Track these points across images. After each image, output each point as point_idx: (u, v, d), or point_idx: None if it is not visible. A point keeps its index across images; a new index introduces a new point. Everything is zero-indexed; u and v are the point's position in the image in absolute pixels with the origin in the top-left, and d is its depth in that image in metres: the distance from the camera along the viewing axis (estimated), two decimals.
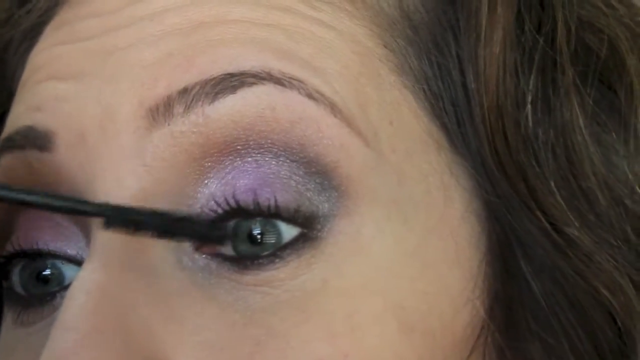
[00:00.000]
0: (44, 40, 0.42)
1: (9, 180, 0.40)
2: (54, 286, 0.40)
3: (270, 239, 0.37)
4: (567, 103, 0.39)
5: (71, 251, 0.40)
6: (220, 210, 0.37)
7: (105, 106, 0.38)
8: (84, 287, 0.35)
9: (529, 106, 0.38)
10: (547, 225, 0.38)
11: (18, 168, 0.40)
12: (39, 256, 0.41)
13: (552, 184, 0.38)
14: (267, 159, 0.37)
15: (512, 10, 0.39)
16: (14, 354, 0.40)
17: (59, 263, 0.40)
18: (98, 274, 0.35)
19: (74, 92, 0.39)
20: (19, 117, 0.40)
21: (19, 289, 0.41)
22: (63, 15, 0.42)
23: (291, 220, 0.36)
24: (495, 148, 0.38)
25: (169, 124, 0.37)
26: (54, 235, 0.40)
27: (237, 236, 0.37)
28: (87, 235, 0.38)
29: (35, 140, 0.39)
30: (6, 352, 0.41)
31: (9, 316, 0.41)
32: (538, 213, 0.38)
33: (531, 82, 0.39)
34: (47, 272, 0.41)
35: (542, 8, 0.40)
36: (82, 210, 0.36)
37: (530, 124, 0.38)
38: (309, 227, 0.36)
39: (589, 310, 0.38)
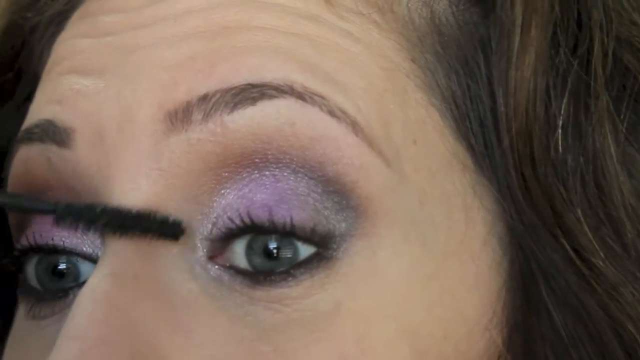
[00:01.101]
0: (68, 29, 0.42)
1: (27, 172, 0.40)
2: (69, 281, 0.40)
3: (286, 254, 0.36)
4: (599, 129, 0.38)
5: (87, 249, 0.40)
6: (233, 226, 0.36)
7: (124, 106, 0.37)
8: (93, 295, 0.35)
9: (559, 131, 0.37)
10: (573, 253, 0.37)
11: (37, 160, 0.40)
12: (54, 252, 0.40)
13: (579, 211, 0.37)
14: (285, 174, 0.36)
15: (547, 32, 0.38)
16: (23, 346, 0.40)
17: (74, 259, 0.40)
18: (107, 283, 0.35)
19: (95, 88, 0.38)
20: (39, 108, 0.40)
21: (34, 282, 0.41)
22: (89, 5, 0.42)
23: (307, 239, 0.36)
24: (522, 173, 0.37)
25: (186, 130, 0.36)
26: (70, 231, 0.40)
27: (252, 249, 0.36)
28: (102, 234, 0.38)
29: (55, 135, 0.39)
30: (17, 344, 0.41)
31: (22, 308, 0.41)
32: (563, 241, 0.37)
33: (563, 107, 0.37)
34: (63, 266, 0.40)
35: (579, 28, 0.39)
36: (34, 208, 0.37)
37: (560, 149, 0.37)
38: (325, 246, 0.36)
39: (610, 345, 0.37)
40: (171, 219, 0.36)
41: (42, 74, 0.42)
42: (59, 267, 0.40)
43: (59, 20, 0.43)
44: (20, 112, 0.43)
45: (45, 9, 0.45)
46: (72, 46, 0.40)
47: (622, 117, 0.38)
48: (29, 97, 0.43)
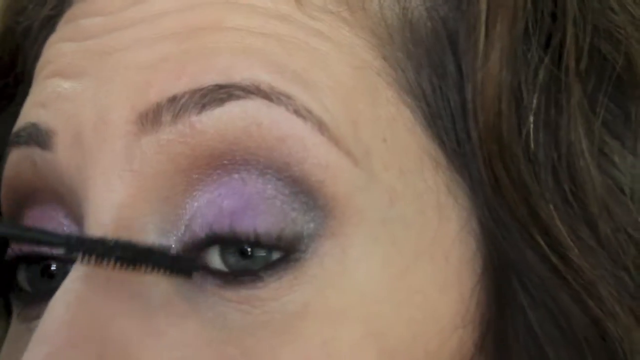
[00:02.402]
0: (55, 33, 0.42)
1: (16, 175, 0.40)
2: (59, 281, 0.40)
3: (261, 253, 0.36)
4: (571, 124, 0.37)
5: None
6: (202, 235, 0.36)
7: (99, 108, 0.38)
8: (64, 298, 0.35)
9: (530, 126, 0.37)
10: (547, 249, 0.36)
11: (23, 164, 0.40)
12: (43, 259, 0.41)
13: (553, 207, 0.36)
14: (253, 176, 0.36)
15: (516, 26, 0.37)
16: (15, 348, 0.41)
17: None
18: (79, 286, 0.35)
19: (74, 91, 0.39)
20: (26, 112, 0.41)
21: (24, 284, 0.41)
22: (74, 9, 0.42)
23: (272, 246, 0.36)
24: (493, 169, 0.36)
25: (156, 132, 0.37)
26: None
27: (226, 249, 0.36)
28: None
29: (38, 138, 0.39)
30: (9, 346, 0.42)
31: (14, 312, 0.42)
32: (537, 237, 0.36)
33: (534, 102, 0.37)
34: (53, 267, 0.41)
35: (553, 22, 0.38)
36: (45, 241, 0.37)
37: (532, 144, 0.37)
38: (293, 249, 0.35)
39: (586, 341, 0.36)
40: (184, 256, 0.36)
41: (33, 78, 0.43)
42: (52, 268, 0.41)
43: (51, 24, 0.44)
44: None
45: (34, 14, 0.45)
46: (56, 50, 0.41)
47: (599, 110, 0.38)
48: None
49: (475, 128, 0.37)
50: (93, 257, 0.35)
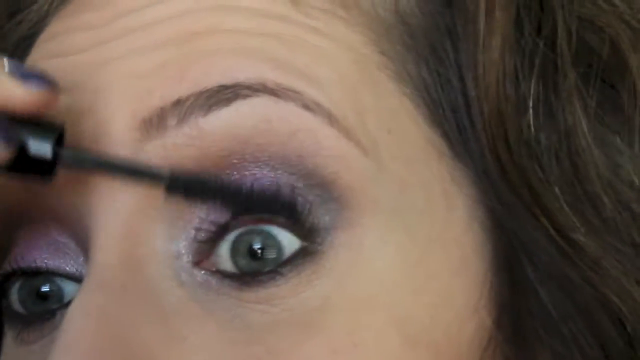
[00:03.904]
0: (34, 52, 0.42)
1: (6, 195, 0.40)
2: (53, 303, 0.40)
3: (271, 254, 0.36)
4: (569, 107, 0.38)
5: (70, 268, 0.39)
6: (222, 220, 0.36)
7: (98, 119, 0.37)
8: (83, 309, 0.35)
9: (530, 111, 0.38)
10: (553, 231, 0.37)
11: (17, 185, 0.39)
12: (38, 274, 0.40)
13: (557, 189, 0.37)
14: (265, 172, 0.36)
15: (511, 14, 0.38)
16: None
17: (58, 280, 0.40)
18: (96, 295, 0.35)
19: (67, 105, 0.38)
20: None
21: (17, 306, 0.40)
22: (54, 27, 0.42)
23: (293, 229, 0.36)
24: (498, 155, 0.37)
25: (162, 136, 0.36)
26: (52, 252, 0.39)
27: (237, 250, 0.36)
28: (85, 252, 0.38)
29: None
30: None
31: (9, 335, 0.41)
32: (543, 219, 0.37)
33: (532, 87, 0.38)
34: (46, 288, 0.40)
35: (541, 10, 0.39)
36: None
37: (533, 129, 0.38)
38: (310, 240, 0.36)
39: (598, 316, 0.37)
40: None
41: None
42: (42, 290, 0.40)
43: (25, 46, 0.43)
44: None
45: (10, 36, 0.45)
46: (40, 67, 0.40)
47: (590, 95, 0.39)
48: None
49: (479, 114, 0.37)
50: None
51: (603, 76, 0.39)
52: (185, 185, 0.36)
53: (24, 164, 0.36)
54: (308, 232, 0.36)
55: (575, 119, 0.38)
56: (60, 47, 0.40)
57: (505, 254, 0.38)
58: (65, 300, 0.40)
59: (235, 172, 0.36)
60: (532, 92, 0.38)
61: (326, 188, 0.36)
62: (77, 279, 0.39)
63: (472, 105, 0.38)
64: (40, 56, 0.41)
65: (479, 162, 0.38)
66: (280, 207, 0.36)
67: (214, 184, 0.36)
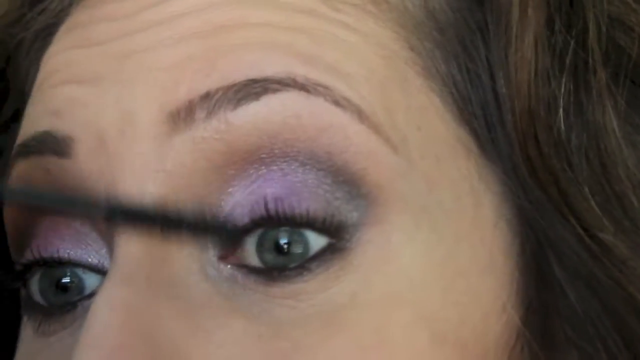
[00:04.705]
0: (57, 42, 0.41)
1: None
2: (74, 295, 0.40)
3: (297, 250, 0.36)
4: (599, 106, 0.38)
5: (92, 260, 0.39)
6: (246, 219, 0.36)
7: (124, 111, 0.37)
8: (108, 302, 0.35)
9: (561, 110, 0.37)
10: (581, 231, 0.37)
11: (35, 174, 0.39)
12: (59, 264, 0.40)
13: (586, 188, 0.37)
14: (293, 167, 0.36)
15: (543, 12, 0.38)
16: None
17: (79, 271, 0.40)
18: (121, 289, 0.35)
19: (92, 96, 0.38)
20: (35, 122, 0.40)
21: (38, 297, 0.40)
22: (77, 17, 0.41)
23: (321, 229, 0.35)
24: (527, 153, 0.37)
25: (190, 129, 0.36)
26: (74, 243, 0.39)
27: (262, 246, 0.36)
28: (108, 243, 0.38)
29: (54, 146, 0.38)
30: None
31: (29, 326, 0.41)
32: (571, 219, 0.37)
33: (563, 85, 0.38)
34: (67, 280, 0.40)
35: (572, 7, 0.39)
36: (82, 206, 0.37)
37: (563, 128, 0.37)
38: (338, 236, 0.35)
39: (626, 316, 0.37)
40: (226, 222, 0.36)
41: (32, 90, 0.42)
42: (63, 281, 0.40)
43: (45, 35, 0.43)
44: (8, 131, 0.43)
45: (31, 24, 0.44)
46: (63, 58, 0.40)
47: (620, 91, 0.39)
48: (14, 116, 0.43)
49: (509, 112, 0.37)
50: (132, 225, 0.35)
51: (632, 76, 0.39)
52: (123, 217, 0.36)
53: None
54: (337, 229, 0.35)
55: (606, 118, 0.38)
56: (83, 38, 0.40)
57: (532, 253, 0.37)
58: (86, 292, 0.39)
59: (263, 167, 0.36)
60: (562, 91, 0.37)
61: (355, 185, 0.36)
62: (99, 271, 0.39)
63: (502, 103, 0.37)
64: (64, 46, 0.41)
65: (507, 160, 0.37)
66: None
67: (163, 217, 0.36)
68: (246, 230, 0.36)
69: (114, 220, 0.36)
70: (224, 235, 0.36)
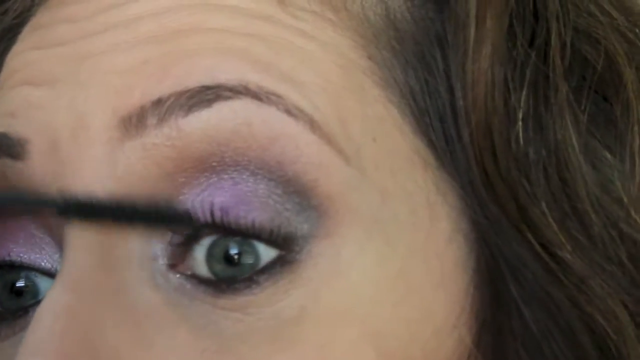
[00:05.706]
0: (20, 42, 0.41)
1: None
2: (28, 299, 0.39)
3: (248, 260, 0.35)
4: (560, 120, 0.37)
5: (45, 264, 0.39)
6: (190, 233, 0.35)
7: (77, 114, 0.37)
8: (52, 308, 0.34)
9: (519, 124, 0.37)
10: (539, 248, 0.36)
11: None
12: (12, 268, 0.39)
13: (544, 204, 0.36)
14: (244, 176, 0.35)
15: (503, 23, 0.37)
16: None
17: (33, 275, 0.39)
18: (66, 295, 0.34)
19: (47, 98, 0.38)
20: None
21: None
22: (40, 18, 0.41)
23: (269, 241, 0.35)
24: (484, 167, 0.36)
25: (141, 136, 0.36)
26: (28, 246, 0.39)
27: (212, 256, 0.36)
28: (61, 248, 0.37)
29: (9, 148, 0.38)
30: None
31: None
32: (529, 235, 0.36)
33: (522, 99, 0.37)
34: (21, 283, 0.39)
35: (535, 20, 0.38)
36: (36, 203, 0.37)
37: (521, 142, 0.37)
38: (287, 248, 0.35)
39: (582, 337, 0.36)
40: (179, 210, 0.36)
41: None
42: (17, 285, 0.39)
43: (10, 36, 0.43)
44: None
45: None
46: (23, 59, 0.40)
47: (582, 108, 0.38)
48: None
49: (466, 125, 0.36)
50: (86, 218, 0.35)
51: (597, 89, 0.38)
52: (76, 210, 0.35)
53: None
54: (285, 241, 0.35)
55: (566, 133, 0.37)
56: (43, 39, 0.40)
57: (488, 269, 0.37)
58: (40, 296, 0.39)
59: (214, 176, 0.35)
60: (522, 104, 0.37)
61: (305, 196, 0.35)
62: (52, 275, 0.38)
63: (459, 115, 0.37)
64: (25, 47, 0.40)
65: (465, 173, 0.37)
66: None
67: (124, 209, 0.35)
68: (194, 238, 0.35)
69: (66, 214, 0.35)
70: (178, 223, 0.35)
